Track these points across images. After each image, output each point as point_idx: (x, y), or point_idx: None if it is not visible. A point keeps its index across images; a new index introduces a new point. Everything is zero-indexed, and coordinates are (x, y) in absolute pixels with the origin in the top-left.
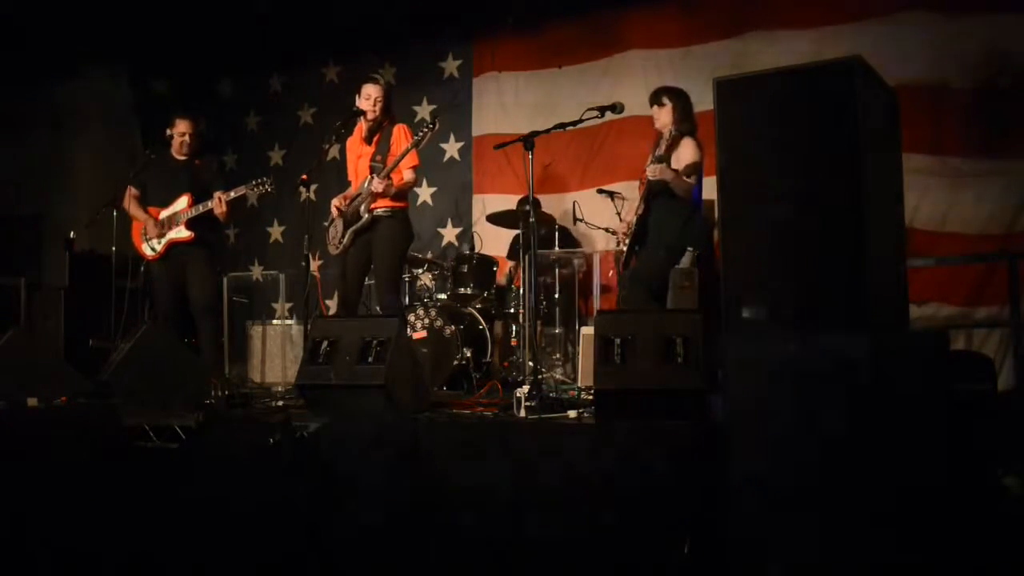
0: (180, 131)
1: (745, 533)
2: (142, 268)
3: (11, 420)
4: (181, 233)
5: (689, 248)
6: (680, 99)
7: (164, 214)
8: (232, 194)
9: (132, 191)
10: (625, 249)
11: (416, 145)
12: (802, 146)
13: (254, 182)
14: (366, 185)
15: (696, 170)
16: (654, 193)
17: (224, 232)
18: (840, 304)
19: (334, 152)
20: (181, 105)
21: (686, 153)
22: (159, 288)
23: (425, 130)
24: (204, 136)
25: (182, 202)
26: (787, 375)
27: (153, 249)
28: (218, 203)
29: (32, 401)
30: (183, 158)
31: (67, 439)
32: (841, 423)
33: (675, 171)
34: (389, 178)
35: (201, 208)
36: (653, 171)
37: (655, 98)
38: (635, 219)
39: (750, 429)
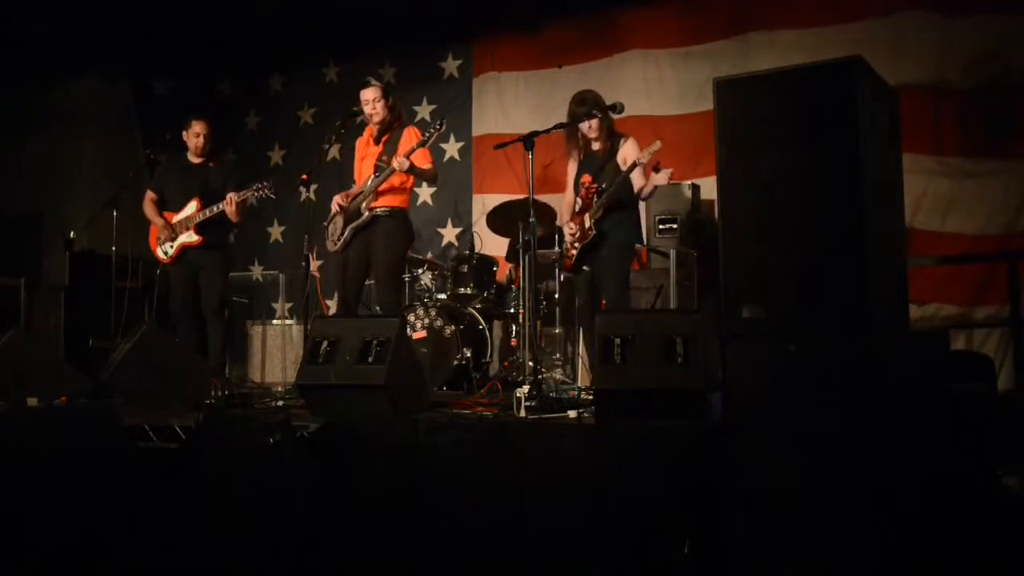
0: (196, 132)
1: (745, 533)
2: (158, 271)
3: (11, 420)
4: (191, 237)
5: (638, 245)
6: (603, 110)
7: (176, 218)
8: (241, 195)
9: (150, 195)
10: (575, 253)
11: (424, 144)
12: (802, 146)
13: (256, 186)
14: (369, 183)
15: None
16: (607, 211)
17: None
18: (840, 304)
19: (334, 152)
20: (181, 105)
21: (634, 151)
22: (173, 291)
23: (432, 131)
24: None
25: (191, 207)
26: (787, 375)
27: (166, 253)
28: (228, 203)
29: (32, 401)
30: (199, 160)
31: (67, 439)
32: (841, 423)
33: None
34: (407, 158)
35: (208, 212)
36: (596, 213)
37: (588, 109)
38: (590, 227)
39: (750, 429)
